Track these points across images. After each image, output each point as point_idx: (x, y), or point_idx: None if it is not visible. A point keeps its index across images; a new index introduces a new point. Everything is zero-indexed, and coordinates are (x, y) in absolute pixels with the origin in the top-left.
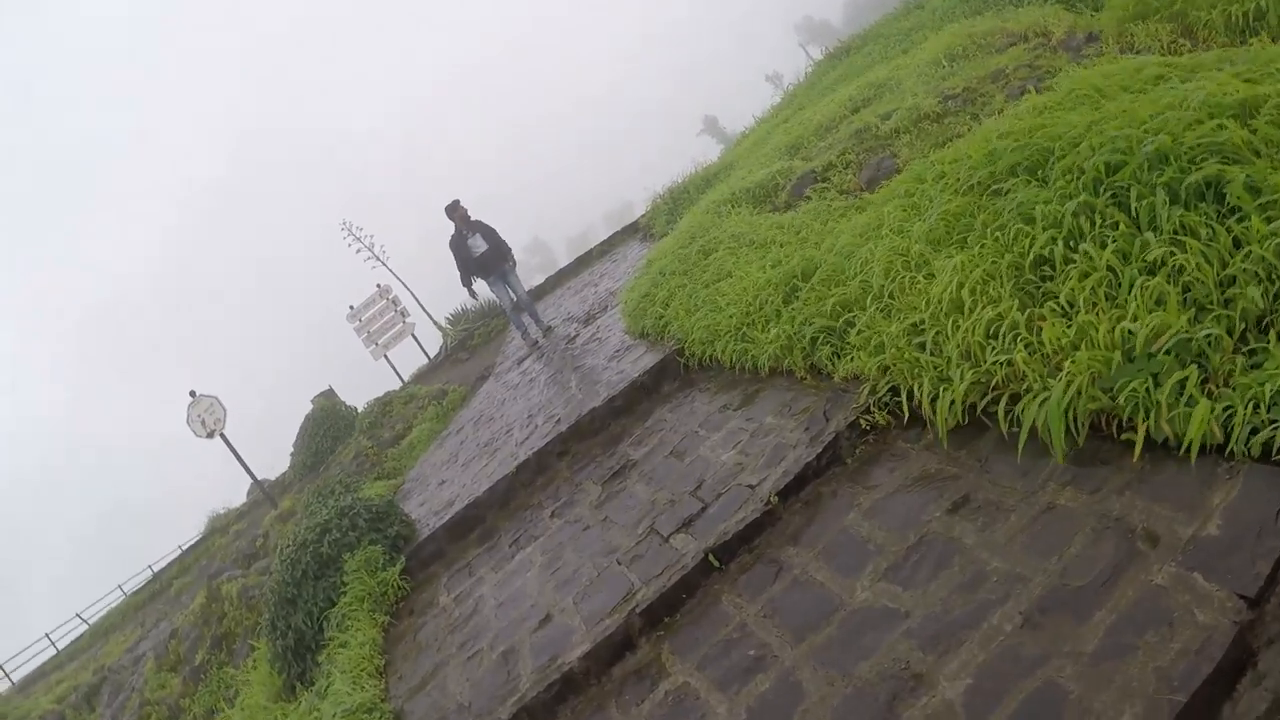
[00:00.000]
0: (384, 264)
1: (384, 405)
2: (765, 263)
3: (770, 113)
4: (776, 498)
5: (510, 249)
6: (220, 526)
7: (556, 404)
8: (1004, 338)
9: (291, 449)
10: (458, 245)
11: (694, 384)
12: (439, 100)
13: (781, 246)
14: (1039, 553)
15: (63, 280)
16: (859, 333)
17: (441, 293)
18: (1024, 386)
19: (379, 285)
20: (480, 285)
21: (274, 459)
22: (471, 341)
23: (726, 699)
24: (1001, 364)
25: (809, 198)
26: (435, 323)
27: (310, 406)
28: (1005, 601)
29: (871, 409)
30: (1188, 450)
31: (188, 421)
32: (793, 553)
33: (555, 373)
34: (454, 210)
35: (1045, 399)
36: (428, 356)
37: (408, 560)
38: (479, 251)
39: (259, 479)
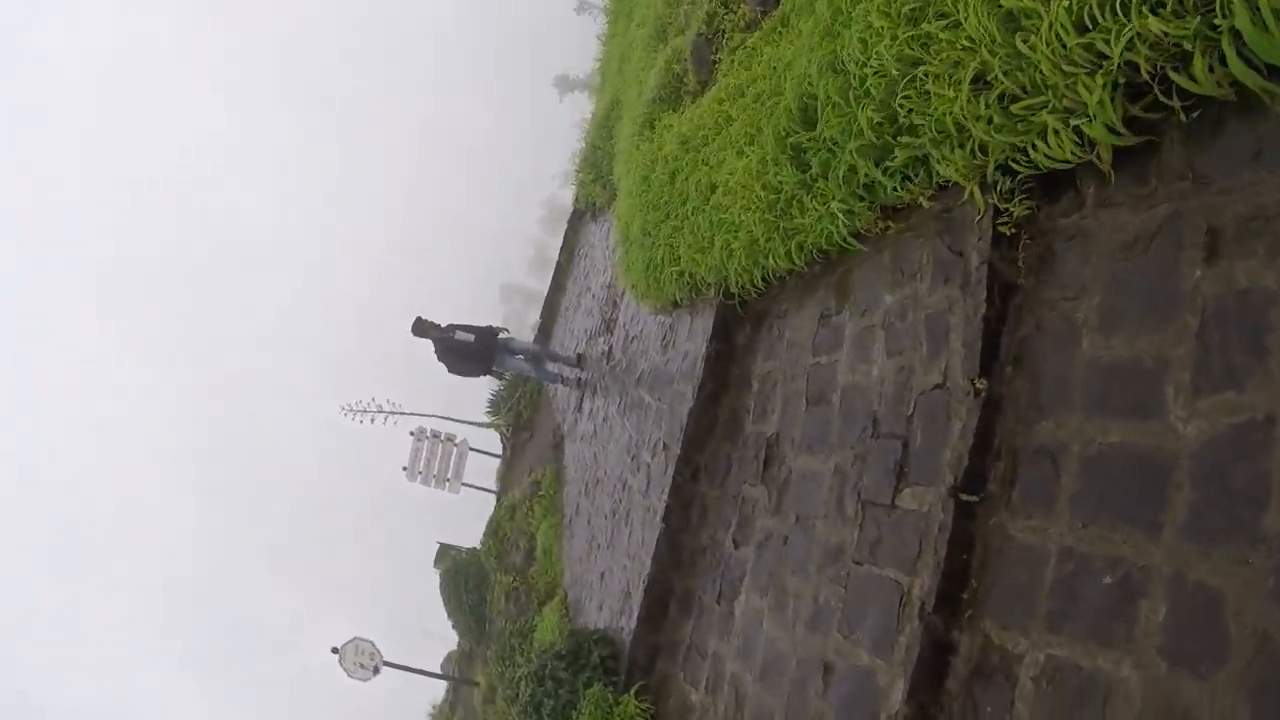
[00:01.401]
0: (403, 413)
1: (495, 532)
2: (739, 144)
3: (610, 24)
4: (980, 380)
5: (491, 324)
6: None
7: (649, 429)
8: (1106, 18)
9: (449, 620)
10: (448, 353)
11: (767, 314)
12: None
13: (742, 115)
14: None
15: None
16: (924, 127)
17: (460, 387)
18: (1181, 49)
19: (412, 432)
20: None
21: (439, 629)
22: (523, 419)
23: (1123, 653)
24: (1132, 48)
25: (718, 62)
26: (480, 424)
27: (437, 573)
28: None
29: (1000, 206)
30: None
31: (350, 675)
32: (1051, 428)
33: (621, 398)
34: (420, 326)
35: (1217, 42)
36: (497, 457)
37: (630, 677)
38: (471, 343)
39: (447, 675)
